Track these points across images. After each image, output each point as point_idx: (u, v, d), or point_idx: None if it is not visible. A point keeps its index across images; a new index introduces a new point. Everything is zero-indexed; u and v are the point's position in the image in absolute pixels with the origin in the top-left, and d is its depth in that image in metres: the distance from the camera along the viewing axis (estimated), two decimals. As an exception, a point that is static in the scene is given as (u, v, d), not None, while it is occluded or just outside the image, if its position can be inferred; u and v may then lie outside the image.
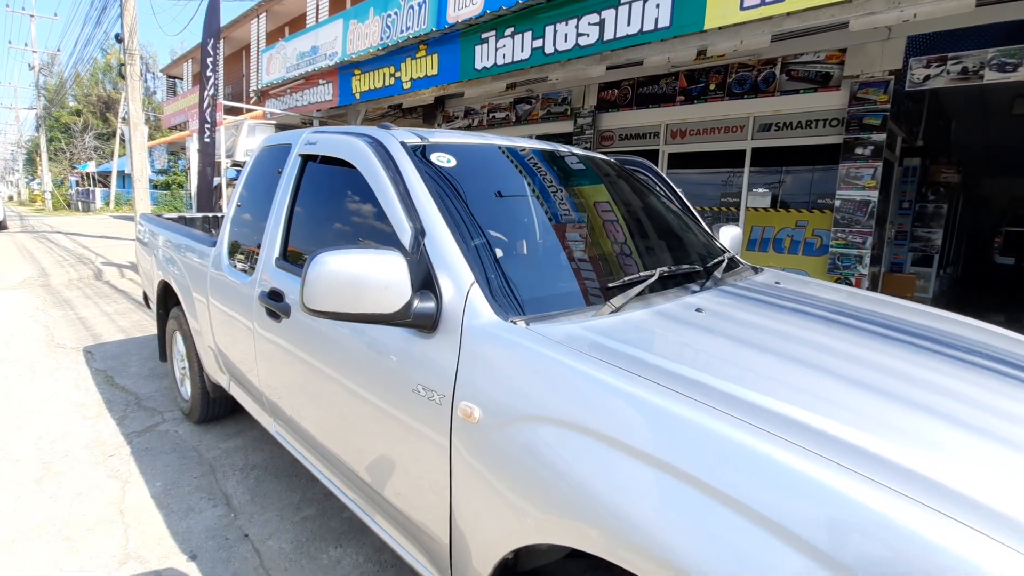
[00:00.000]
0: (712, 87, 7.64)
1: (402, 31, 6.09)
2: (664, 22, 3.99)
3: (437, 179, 1.65)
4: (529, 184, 1.91)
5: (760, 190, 7.52)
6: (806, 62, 6.82)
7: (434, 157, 1.76)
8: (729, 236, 2.53)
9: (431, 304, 1.38)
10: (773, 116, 7.15)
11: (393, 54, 6.46)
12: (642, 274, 1.58)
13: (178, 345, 3.44)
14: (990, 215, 13.76)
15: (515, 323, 1.30)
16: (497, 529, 1.19)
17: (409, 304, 1.35)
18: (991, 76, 5.66)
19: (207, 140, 7.15)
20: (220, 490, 2.65)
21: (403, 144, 1.77)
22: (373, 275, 1.31)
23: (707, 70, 7.71)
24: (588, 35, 4.44)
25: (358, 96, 7.08)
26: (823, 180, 7.07)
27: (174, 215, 4.28)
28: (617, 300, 1.43)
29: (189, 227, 3.48)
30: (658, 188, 2.60)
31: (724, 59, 6.58)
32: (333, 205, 1.97)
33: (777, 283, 1.94)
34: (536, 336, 1.23)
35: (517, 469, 1.13)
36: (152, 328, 5.47)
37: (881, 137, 6.32)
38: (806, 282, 2.07)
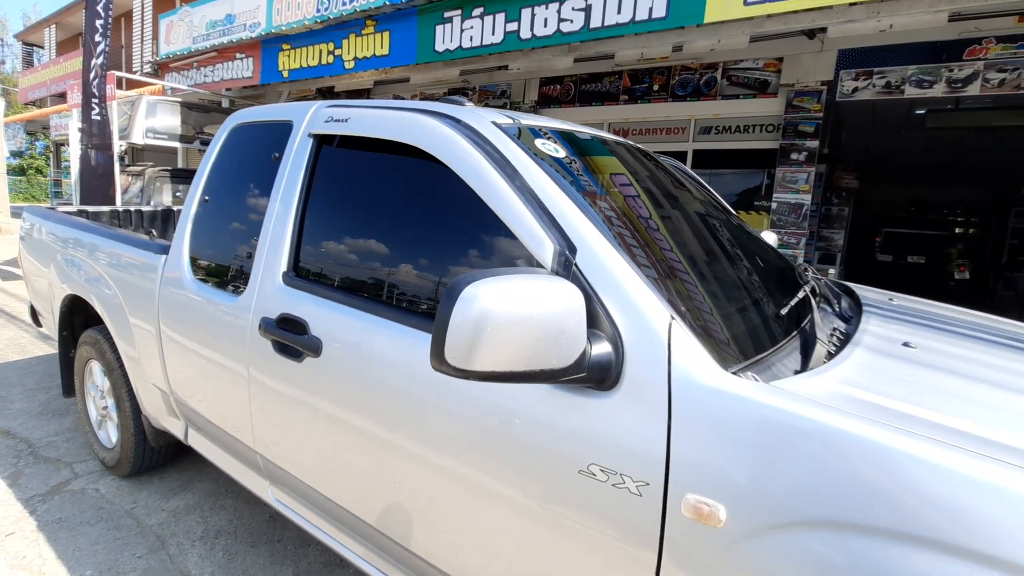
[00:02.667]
0: (656, 88, 7.67)
1: (345, 2, 5.40)
2: (660, 12, 3.79)
3: (562, 176, 1.25)
4: (653, 187, 1.55)
5: (701, 191, 7.65)
6: (746, 68, 7.01)
7: (539, 144, 1.35)
8: (772, 243, 2.35)
9: (607, 350, 0.98)
10: (714, 119, 7.31)
11: (333, 28, 5.74)
12: (798, 302, 1.29)
13: (94, 378, 2.66)
14: (874, 217, 15.44)
15: (744, 376, 0.94)
16: None
17: (584, 352, 0.94)
18: (911, 91, 6.09)
19: (96, 118, 5.91)
20: (179, 573, 2.02)
21: (498, 125, 1.34)
22: (548, 313, 0.88)
23: (651, 71, 7.73)
24: (572, 21, 4.13)
25: (286, 74, 6.23)
26: (761, 183, 7.35)
27: (71, 208, 3.37)
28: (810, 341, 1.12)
29: (94, 223, 2.70)
30: (714, 197, 2.34)
31: (682, 60, 6.58)
32: (383, 203, 1.47)
33: (891, 300, 1.76)
34: (791, 396, 0.88)
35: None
36: (36, 349, 4.37)
37: (815, 144, 6.63)
38: (902, 296, 1.91)
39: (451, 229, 1.31)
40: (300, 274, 1.60)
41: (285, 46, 6.23)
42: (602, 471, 0.97)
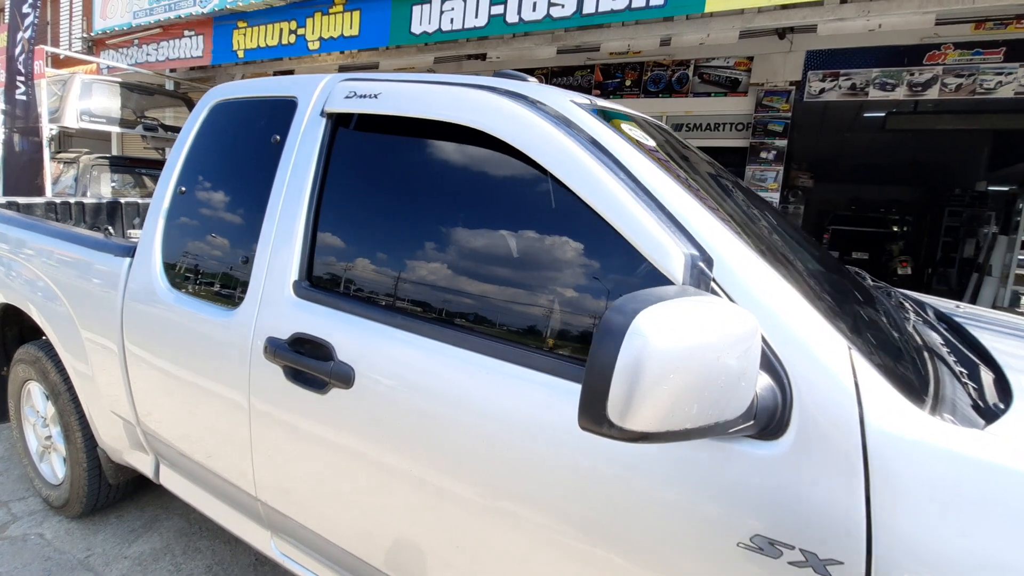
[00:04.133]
0: (628, 83, 7.60)
1: (310, -21, 4.97)
2: (658, 0, 3.63)
3: (669, 169, 1.03)
4: (740, 188, 1.35)
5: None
6: (717, 67, 7.02)
7: (628, 130, 1.12)
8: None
9: (770, 387, 0.78)
10: (685, 117, 7.29)
11: (296, 6, 5.27)
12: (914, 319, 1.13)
13: (34, 402, 2.24)
14: (822, 215, 16.12)
15: (941, 418, 0.76)
16: None
17: (754, 394, 0.73)
18: (875, 93, 6.25)
19: (21, 98, 5.21)
20: (154, 637, 1.69)
21: (578, 105, 1.10)
22: (724, 347, 0.67)
23: (623, 66, 7.64)
24: (563, 6, 3.91)
25: (241, 55, 5.70)
26: None
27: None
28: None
29: (31, 218, 2.27)
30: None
31: (665, 56, 6.48)
32: (437, 200, 1.20)
33: (958, 306, 1.65)
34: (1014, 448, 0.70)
35: None
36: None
37: (783, 143, 6.72)
38: (959, 304, 1.81)
39: (532, 232, 1.07)
40: (316, 284, 1.32)
41: (241, 23, 5.70)
42: (771, 544, 0.76)
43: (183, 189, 1.63)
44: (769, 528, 0.77)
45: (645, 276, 0.93)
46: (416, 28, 4.60)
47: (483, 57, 5.49)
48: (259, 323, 1.35)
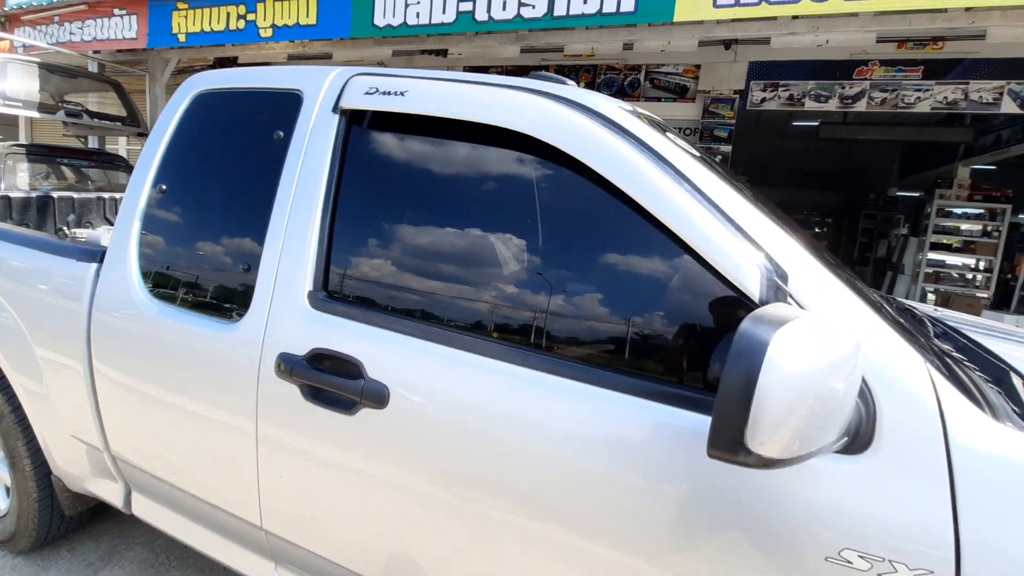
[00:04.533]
0: (581, 85, 7.70)
1: (262, -39, 4.67)
2: (628, 7, 3.68)
3: (726, 179, 1.02)
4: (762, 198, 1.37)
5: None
6: (668, 73, 7.24)
7: (673, 138, 1.11)
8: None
9: (858, 405, 0.79)
10: None
11: (245, -10, 4.95)
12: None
13: (-36, 425, 1.96)
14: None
15: (1007, 427, 0.80)
16: None
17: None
18: (810, 104, 6.67)
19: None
20: None
21: (632, 114, 1.08)
22: (838, 367, 0.67)
23: (577, 68, 7.74)
24: (534, 6, 3.89)
25: (183, 39, 5.28)
26: None
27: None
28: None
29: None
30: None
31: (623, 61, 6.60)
32: (475, 205, 1.15)
33: (936, 310, 1.77)
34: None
35: None
36: None
37: (728, 148, 7.05)
38: (936, 309, 1.94)
39: (584, 242, 1.04)
40: (335, 296, 1.22)
41: (181, 5, 5.27)
42: (861, 557, 0.77)
43: (163, 187, 1.47)
44: (857, 541, 0.78)
45: (711, 289, 0.92)
46: (379, 20, 4.43)
47: (444, 53, 5.38)
48: (268, 338, 1.23)
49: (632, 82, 7.30)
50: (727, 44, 6.43)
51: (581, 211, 1.05)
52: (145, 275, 1.45)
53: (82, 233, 2.15)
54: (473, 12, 4.08)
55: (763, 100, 6.85)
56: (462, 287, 1.12)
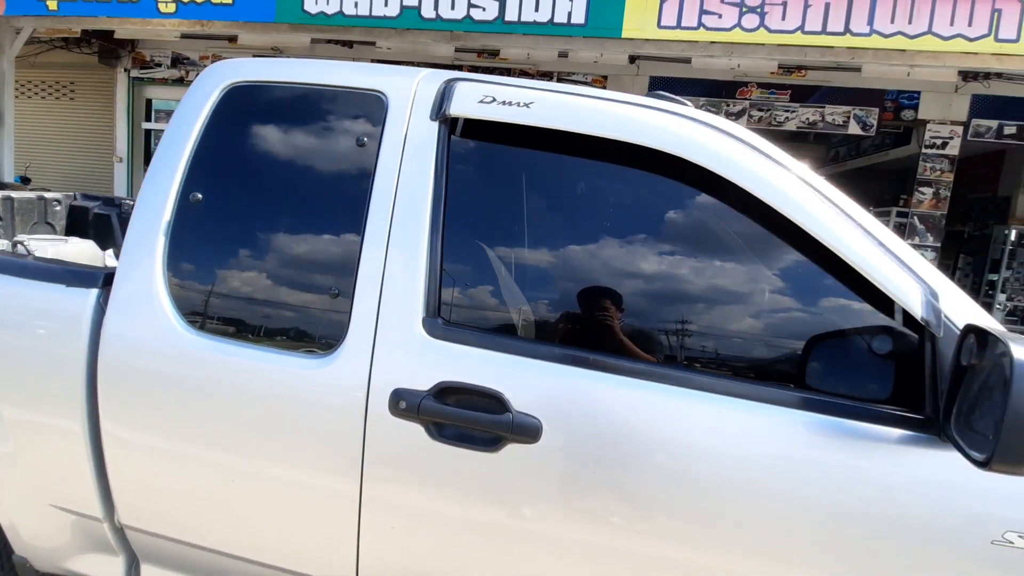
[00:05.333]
0: None
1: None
2: (579, 19, 3.78)
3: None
4: None
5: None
6: (577, 82, 7.59)
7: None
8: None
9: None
10: None
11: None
12: None
13: None
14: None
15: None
16: None
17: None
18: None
19: None
20: None
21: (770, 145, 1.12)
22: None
23: (494, 70, 7.83)
24: (484, 8, 3.83)
25: (53, 5, 4.37)
26: None
27: None
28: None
29: None
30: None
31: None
32: (620, 224, 1.11)
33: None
34: None
35: None
36: None
37: (638, 157, 7.60)
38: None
39: (738, 264, 1.06)
40: (454, 321, 1.11)
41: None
42: (1021, 537, 0.89)
43: (198, 196, 1.22)
44: (1017, 524, 0.89)
45: (867, 309, 1.00)
46: (311, 7, 4.07)
47: (372, 44, 5.09)
48: (377, 373, 1.08)
49: (544, 88, 7.49)
50: (632, 58, 6.84)
51: (741, 236, 1.07)
52: (180, 304, 1.19)
53: (36, 246, 1.66)
54: (419, 8, 3.93)
55: (665, 113, 7.42)
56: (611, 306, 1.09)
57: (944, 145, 6.35)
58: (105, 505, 1.26)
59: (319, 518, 1.14)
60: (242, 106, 1.27)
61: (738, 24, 3.64)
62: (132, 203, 2.85)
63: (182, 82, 6.87)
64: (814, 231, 1.00)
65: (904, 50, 4.16)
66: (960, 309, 0.98)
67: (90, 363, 1.19)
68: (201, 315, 1.19)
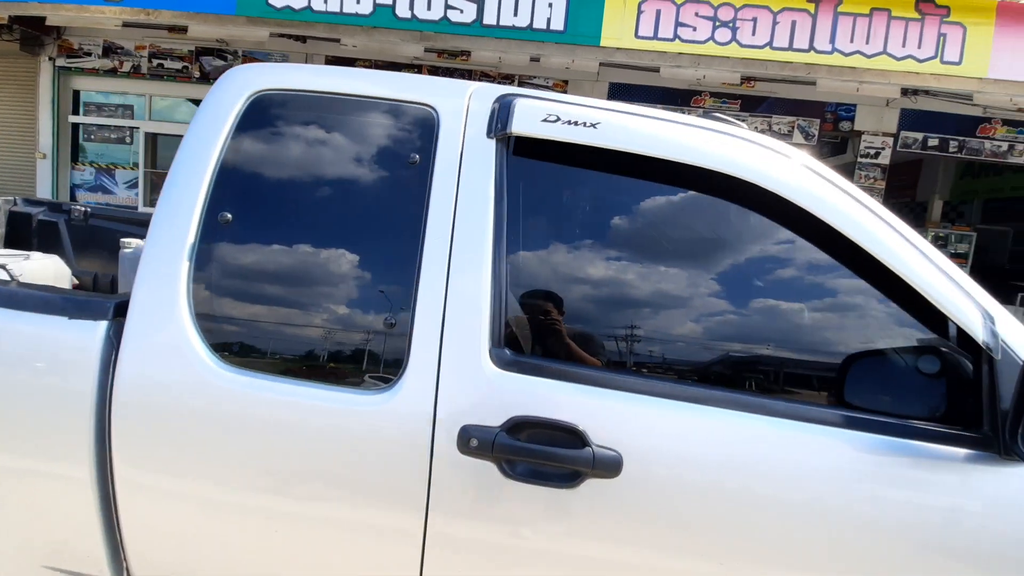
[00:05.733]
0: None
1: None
2: (558, 26, 3.76)
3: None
4: None
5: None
6: (539, 85, 7.63)
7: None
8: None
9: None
10: None
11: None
12: None
13: None
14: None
15: None
16: None
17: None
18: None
19: None
20: None
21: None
22: None
23: (451, 70, 7.75)
24: (462, 10, 3.75)
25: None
26: None
27: None
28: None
29: None
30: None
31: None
32: (681, 248, 1.08)
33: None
34: None
35: None
36: None
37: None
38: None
39: (809, 288, 1.07)
40: (523, 352, 1.06)
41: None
42: None
43: (228, 216, 1.10)
44: None
45: (927, 330, 1.03)
46: (277, 2, 3.84)
47: (336, 41, 4.88)
48: (443, 408, 1.01)
49: (507, 91, 7.49)
50: (602, 65, 6.91)
51: (804, 262, 1.08)
52: (209, 336, 1.06)
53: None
54: (394, 7, 3.79)
55: (621, 118, 7.56)
56: (687, 336, 1.07)
57: (877, 155, 6.81)
58: (113, 563, 1.12)
59: (376, 563, 1.05)
60: (270, 117, 1.16)
61: (711, 38, 3.75)
62: (83, 209, 2.58)
63: (115, 73, 6.34)
64: (887, 260, 1.02)
65: (854, 67, 4.44)
66: (1014, 332, 1.02)
67: (99, 403, 1.05)
68: (234, 349, 1.07)
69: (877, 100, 6.07)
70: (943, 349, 1.07)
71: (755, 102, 7.41)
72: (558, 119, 1.10)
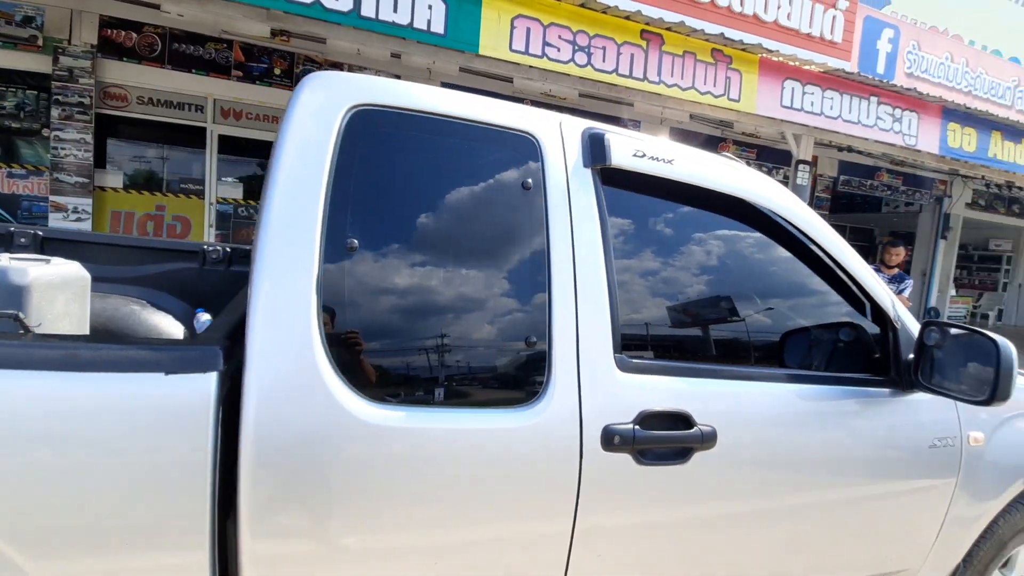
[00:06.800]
0: (278, 72, 7.24)
1: None
2: (439, 29, 3.77)
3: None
4: None
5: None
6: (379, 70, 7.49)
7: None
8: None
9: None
10: None
11: None
12: None
13: None
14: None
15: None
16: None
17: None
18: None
19: None
20: None
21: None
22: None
23: (270, 51, 7.19)
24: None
25: None
26: None
27: None
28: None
29: None
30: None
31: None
32: (730, 260, 1.36)
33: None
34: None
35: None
36: None
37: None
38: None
39: (796, 285, 1.47)
40: (636, 355, 1.23)
41: None
42: (941, 442, 1.53)
43: (355, 243, 1.01)
44: (936, 436, 1.53)
45: (856, 312, 1.51)
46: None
47: (156, 7, 4.00)
48: (587, 413, 1.13)
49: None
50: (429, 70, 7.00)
51: (793, 264, 1.47)
52: (347, 374, 0.98)
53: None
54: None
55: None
56: (735, 328, 1.37)
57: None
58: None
59: (531, 565, 1.12)
60: (373, 134, 1.09)
61: (572, 59, 4.21)
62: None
63: None
64: (843, 262, 1.46)
65: (660, 94, 5.41)
66: (903, 310, 1.57)
67: (217, 463, 0.89)
68: (374, 384, 1.01)
69: (654, 120, 7.36)
70: (855, 323, 1.58)
71: (578, 115, 8.27)
72: (644, 155, 1.29)
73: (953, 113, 6.19)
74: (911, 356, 1.50)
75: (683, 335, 1.36)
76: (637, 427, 1.16)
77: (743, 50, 4.81)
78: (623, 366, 1.19)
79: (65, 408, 0.82)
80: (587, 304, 1.16)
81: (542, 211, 1.17)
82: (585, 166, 1.24)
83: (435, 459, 1.03)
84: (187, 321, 2.29)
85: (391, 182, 1.10)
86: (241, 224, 7.26)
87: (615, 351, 1.19)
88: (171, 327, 2.21)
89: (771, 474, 1.32)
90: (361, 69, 6.45)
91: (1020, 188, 9.37)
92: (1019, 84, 6.93)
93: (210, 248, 2.43)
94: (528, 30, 3.97)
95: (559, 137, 1.24)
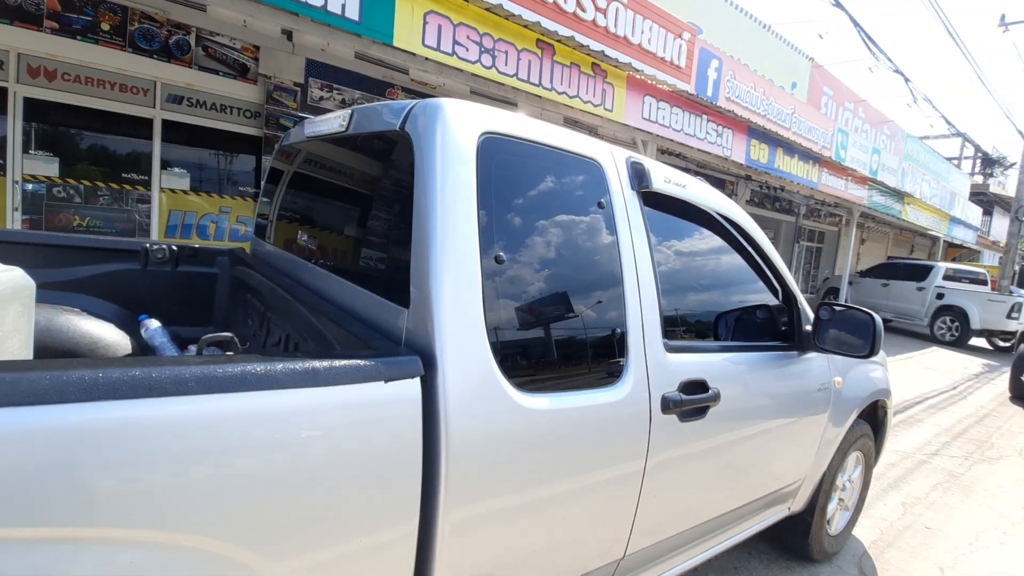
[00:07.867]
0: (106, 27, 6.28)
1: None
2: (353, 15, 3.65)
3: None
4: None
5: (177, 170, 7.08)
6: (223, 44, 6.95)
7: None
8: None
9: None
10: (187, 89, 6.81)
11: None
12: None
13: None
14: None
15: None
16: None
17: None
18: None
19: None
20: None
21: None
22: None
23: (96, 2, 6.25)
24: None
25: None
26: (243, 168, 7.53)
27: None
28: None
29: None
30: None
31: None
32: (717, 262, 1.77)
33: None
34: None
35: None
36: None
37: (295, 139, 7.60)
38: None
39: (750, 277, 1.97)
40: (671, 337, 1.58)
41: None
42: (822, 387, 2.18)
43: (502, 256, 1.17)
44: (820, 383, 2.18)
45: (776, 300, 2.09)
46: None
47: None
48: (653, 388, 1.45)
49: (180, 43, 6.42)
50: (289, 34, 6.65)
51: (739, 261, 1.96)
52: (506, 370, 1.15)
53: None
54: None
55: (321, 98, 7.49)
56: (720, 311, 1.81)
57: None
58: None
59: (610, 512, 1.41)
60: (497, 157, 1.26)
61: (479, 60, 4.41)
62: None
63: None
64: (772, 259, 2.00)
65: (541, 97, 5.89)
66: (797, 294, 2.17)
67: (426, 463, 1.03)
68: (522, 376, 1.20)
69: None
70: (778, 304, 2.15)
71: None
72: (670, 180, 1.64)
73: (755, 131, 7.78)
74: (808, 328, 2.10)
75: (693, 320, 1.76)
76: (682, 394, 1.52)
77: (615, 67, 5.49)
78: (668, 348, 1.53)
79: (307, 420, 0.88)
80: (647, 300, 1.48)
81: (613, 224, 1.45)
82: (632, 188, 1.54)
83: (567, 428, 1.26)
84: (129, 329, 2.08)
85: (511, 199, 1.28)
86: (59, 207, 6.07)
87: (663, 336, 1.53)
88: (114, 336, 2.01)
89: (745, 416, 1.79)
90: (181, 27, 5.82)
91: (787, 191, 12.02)
92: (794, 112, 8.91)
93: (154, 247, 2.20)
94: (440, 27, 4.07)
95: (614, 164, 1.51)
